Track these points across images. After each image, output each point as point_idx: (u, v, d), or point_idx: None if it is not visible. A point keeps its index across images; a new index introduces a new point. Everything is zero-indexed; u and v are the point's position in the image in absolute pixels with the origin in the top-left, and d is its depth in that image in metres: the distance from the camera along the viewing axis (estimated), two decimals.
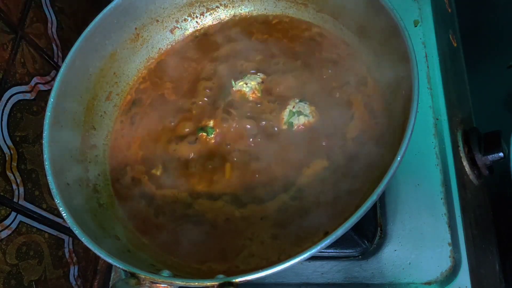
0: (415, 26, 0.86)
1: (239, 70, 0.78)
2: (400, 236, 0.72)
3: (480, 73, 1.02)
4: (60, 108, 0.68)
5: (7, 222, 0.71)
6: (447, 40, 0.92)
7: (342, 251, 0.71)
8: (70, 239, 0.87)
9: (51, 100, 0.66)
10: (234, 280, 0.49)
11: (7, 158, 0.73)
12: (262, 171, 0.67)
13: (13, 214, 0.73)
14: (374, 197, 0.50)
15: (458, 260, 0.69)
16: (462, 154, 0.78)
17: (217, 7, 0.85)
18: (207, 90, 0.77)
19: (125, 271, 0.53)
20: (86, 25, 0.72)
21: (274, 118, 0.71)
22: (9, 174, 0.73)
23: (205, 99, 0.76)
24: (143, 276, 0.51)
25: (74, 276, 0.87)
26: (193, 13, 0.85)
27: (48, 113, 0.65)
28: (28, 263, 0.75)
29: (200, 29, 0.86)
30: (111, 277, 0.84)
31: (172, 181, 0.71)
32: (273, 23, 0.82)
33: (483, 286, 0.71)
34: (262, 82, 0.75)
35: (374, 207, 0.74)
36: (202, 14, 0.85)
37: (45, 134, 0.64)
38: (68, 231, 0.85)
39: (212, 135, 0.72)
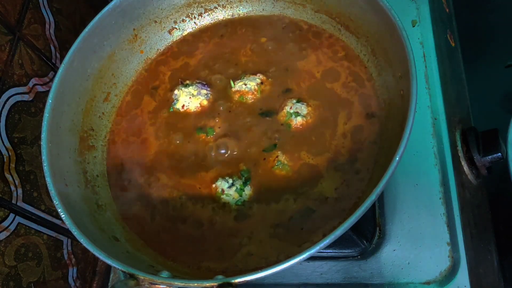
0: (413, 26, 0.86)
1: (239, 71, 0.78)
2: (399, 236, 0.72)
3: (478, 72, 1.02)
4: (59, 109, 0.68)
5: (5, 223, 0.71)
6: (445, 40, 0.92)
7: (341, 251, 0.71)
8: (69, 240, 0.86)
9: (49, 101, 0.66)
10: (233, 281, 0.49)
11: (5, 160, 0.73)
12: (262, 171, 0.67)
13: (12, 215, 0.72)
14: (373, 197, 0.50)
15: (457, 259, 0.69)
16: (460, 154, 0.78)
17: (215, 7, 0.85)
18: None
19: (124, 272, 0.53)
20: (84, 26, 0.72)
21: (272, 119, 0.71)
22: (7, 175, 0.73)
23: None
24: (142, 277, 0.51)
25: (73, 277, 0.87)
26: (191, 13, 0.85)
27: (46, 114, 0.65)
28: (27, 264, 0.75)
29: (198, 29, 0.86)
30: (110, 278, 0.84)
31: (170, 182, 0.71)
32: (271, 23, 0.82)
33: (482, 285, 0.71)
34: (261, 83, 0.75)
35: (373, 207, 0.74)
36: (200, 14, 0.85)
37: (43, 135, 0.64)
38: (66, 232, 0.85)
39: (212, 136, 0.72)
